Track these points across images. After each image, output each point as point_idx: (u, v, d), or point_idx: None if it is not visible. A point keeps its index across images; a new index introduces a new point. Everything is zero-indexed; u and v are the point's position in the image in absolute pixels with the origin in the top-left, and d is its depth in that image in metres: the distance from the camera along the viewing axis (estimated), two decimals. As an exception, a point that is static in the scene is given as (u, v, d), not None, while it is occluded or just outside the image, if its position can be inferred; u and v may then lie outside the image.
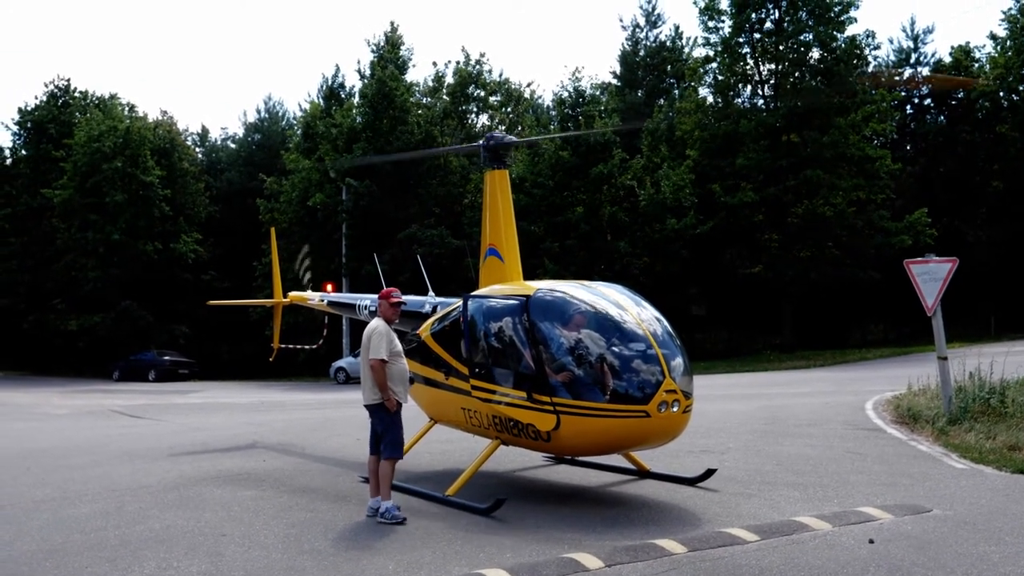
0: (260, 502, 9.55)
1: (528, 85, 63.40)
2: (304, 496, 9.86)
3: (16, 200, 52.10)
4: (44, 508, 9.55)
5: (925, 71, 51.27)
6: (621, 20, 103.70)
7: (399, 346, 8.73)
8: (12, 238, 51.72)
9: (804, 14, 40.81)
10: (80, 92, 55.98)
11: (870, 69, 47.64)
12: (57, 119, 52.99)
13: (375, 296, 13.58)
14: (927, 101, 51.32)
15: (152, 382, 41.50)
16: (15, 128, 54.55)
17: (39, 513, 9.28)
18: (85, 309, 47.36)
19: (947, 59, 49.89)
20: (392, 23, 49.38)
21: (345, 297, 15.63)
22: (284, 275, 18.23)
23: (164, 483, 10.96)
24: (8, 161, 54.68)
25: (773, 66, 42.42)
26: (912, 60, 51.85)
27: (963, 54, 48.79)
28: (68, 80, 56.24)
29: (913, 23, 63.51)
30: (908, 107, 51.22)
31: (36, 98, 56.12)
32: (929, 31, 63.13)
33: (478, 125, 49.87)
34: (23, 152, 54.12)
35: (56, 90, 55.22)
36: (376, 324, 8.71)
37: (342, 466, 12.06)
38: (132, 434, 17.62)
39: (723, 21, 42.44)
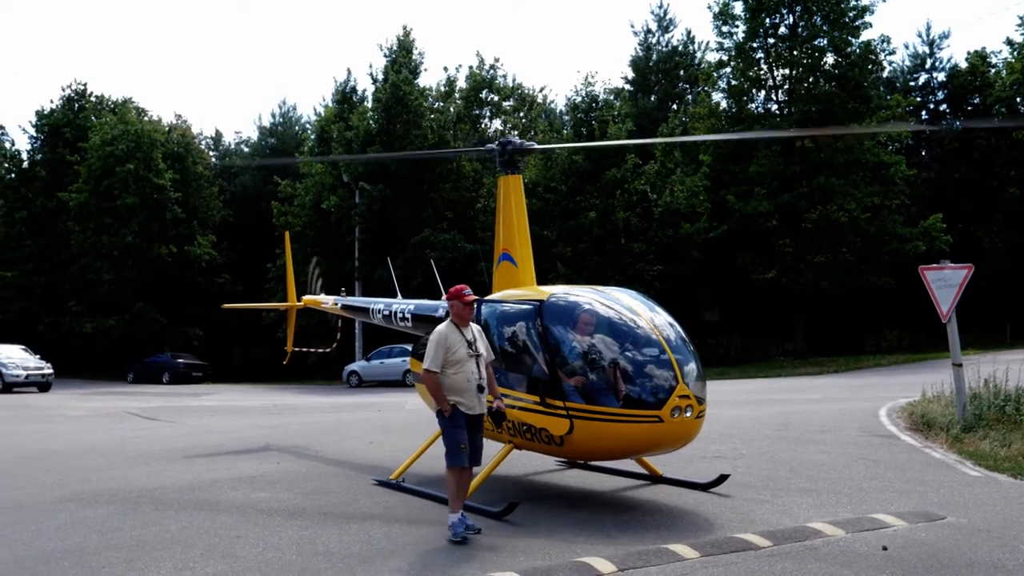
0: (274, 504, 9.60)
1: (541, 90, 63.50)
2: (318, 498, 9.91)
3: (33, 203, 52.48)
4: (62, 508, 9.62)
5: (941, 76, 51.12)
6: (632, 26, 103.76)
7: (462, 352, 7.93)
8: (28, 241, 52.08)
9: (819, 19, 40.69)
10: (96, 96, 56.35)
11: (885, 74, 47.55)
12: (73, 123, 53.32)
13: (389, 300, 13.69)
14: (943, 107, 51.15)
15: (166, 384, 41.69)
16: (32, 132, 55.04)
17: (57, 513, 9.35)
18: (100, 312, 47.65)
19: (963, 64, 49.77)
20: (404, 27, 49.38)
21: (359, 301, 15.66)
22: (297, 278, 18.30)
23: (179, 485, 11.03)
24: (25, 164, 55.06)
25: (787, 71, 42.34)
26: (928, 65, 51.71)
27: (979, 59, 48.63)
28: (84, 84, 56.68)
29: (929, 28, 63.40)
30: (924, 113, 51.03)
31: (52, 102, 56.64)
32: (945, 36, 62.88)
33: (491, 130, 49.89)
34: (39, 156, 54.49)
35: (72, 94, 55.58)
36: (438, 329, 8.12)
37: (355, 469, 12.11)
38: (147, 436, 17.71)
39: (737, 26, 42.42)
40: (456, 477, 7.88)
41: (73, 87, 55.72)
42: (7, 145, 57.06)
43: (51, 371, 36.83)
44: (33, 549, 7.82)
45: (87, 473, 12.19)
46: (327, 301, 16.16)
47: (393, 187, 42.57)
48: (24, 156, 55.70)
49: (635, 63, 57.11)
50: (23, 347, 38.64)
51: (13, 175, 54.67)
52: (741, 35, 42.26)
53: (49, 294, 50.85)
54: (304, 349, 22.36)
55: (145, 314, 47.35)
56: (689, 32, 77.62)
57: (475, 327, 8.26)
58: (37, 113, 54.39)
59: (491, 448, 11.11)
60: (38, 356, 38.23)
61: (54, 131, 53.27)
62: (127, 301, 47.46)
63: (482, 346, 8.18)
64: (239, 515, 9.04)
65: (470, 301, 8.12)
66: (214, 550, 7.61)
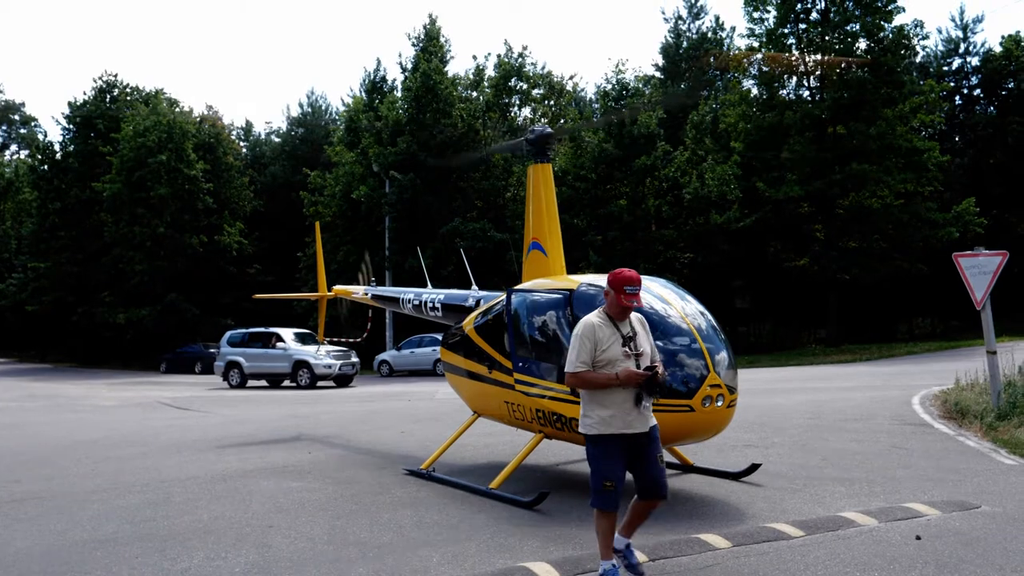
0: (306, 494, 9.64)
1: (571, 78, 63.29)
2: (349, 488, 9.94)
3: (66, 194, 52.98)
4: (95, 498, 9.72)
5: (975, 61, 50.36)
6: (663, 12, 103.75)
7: (615, 351, 6.12)
8: (62, 232, 52.66)
9: (851, 4, 40.30)
10: (131, 87, 56.75)
11: (918, 60, 46.91)
12: (105, 114, 53.76)
13: (419, 290, 13.70)
14: (976, 92, 50.43)
15: (198, 374, 42.03)
16: (65, 123, 55.52)
17: (90, 503, 9.45)
18: (132, 302, 48.19)
19: (997, 49, 49.00)
20: (431, 15, 49.38)
21: (389, 291, 15.69)
22: (327, 267, 18.37)
23: (211, 474, 11.11)
24: (58, 155, 55.59)
25: (819, 57, 41.93)
26: (961, 50, 50.94)
27: (1014, 44, 47.86)
28: (116, 75, 57.20)
29: (963, 12, 62.54)
30: (957, 98, 50.33)
31: (84, 93, 57.09)
32: (979, 20, 61.85)
33: (520, 118, 49.78)
34: (72, 147, 54.97)
35: (104, 85, 56.04)
36: (585, 319, 6.37)
37: (386, 458, 12.14)
38: (179, 426, 17.87)
39: (768, 12, 42.08)
40: (602, 520, 6.21)
41: (105, 78, 56.22)
42: (40, 137, 57.58)
43: (357, 360, 33.12)
44: (66, 539, 7.90)
45: (120, 463, 12.31)
46: (357, 291, 16.20)
47: (423, 176, 42.62)
48: (57, 147, 56.28)
49: (665, 50, 56.80)
50: (296, 331, 33.95)
51: (46, 167, 55.23)
52: (772, 21, 41.92)
53: (82, 284, 51.40)
54: (335, 338, 22.47)
55: (177, 304, 47.81)
56: (718, 19, 77.08)
57: (636, 318, 6.43)
58: (69, 104, 54.95)
59: (520, 437, 11.12)
60: (320, 341, 32.98)
61: (87, 122, 53.72)
62: (159, 291, 47.95)
63: (645, 343, 6.33)
64: (271, 504, 9.09)
65: (629, 296, 6.14)
66: (246, 540, 7.66)
